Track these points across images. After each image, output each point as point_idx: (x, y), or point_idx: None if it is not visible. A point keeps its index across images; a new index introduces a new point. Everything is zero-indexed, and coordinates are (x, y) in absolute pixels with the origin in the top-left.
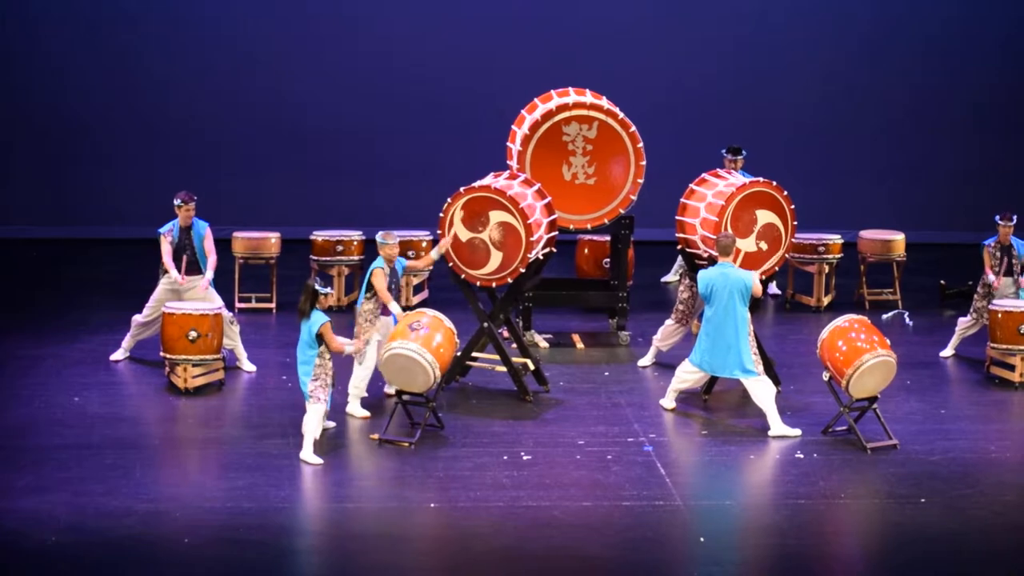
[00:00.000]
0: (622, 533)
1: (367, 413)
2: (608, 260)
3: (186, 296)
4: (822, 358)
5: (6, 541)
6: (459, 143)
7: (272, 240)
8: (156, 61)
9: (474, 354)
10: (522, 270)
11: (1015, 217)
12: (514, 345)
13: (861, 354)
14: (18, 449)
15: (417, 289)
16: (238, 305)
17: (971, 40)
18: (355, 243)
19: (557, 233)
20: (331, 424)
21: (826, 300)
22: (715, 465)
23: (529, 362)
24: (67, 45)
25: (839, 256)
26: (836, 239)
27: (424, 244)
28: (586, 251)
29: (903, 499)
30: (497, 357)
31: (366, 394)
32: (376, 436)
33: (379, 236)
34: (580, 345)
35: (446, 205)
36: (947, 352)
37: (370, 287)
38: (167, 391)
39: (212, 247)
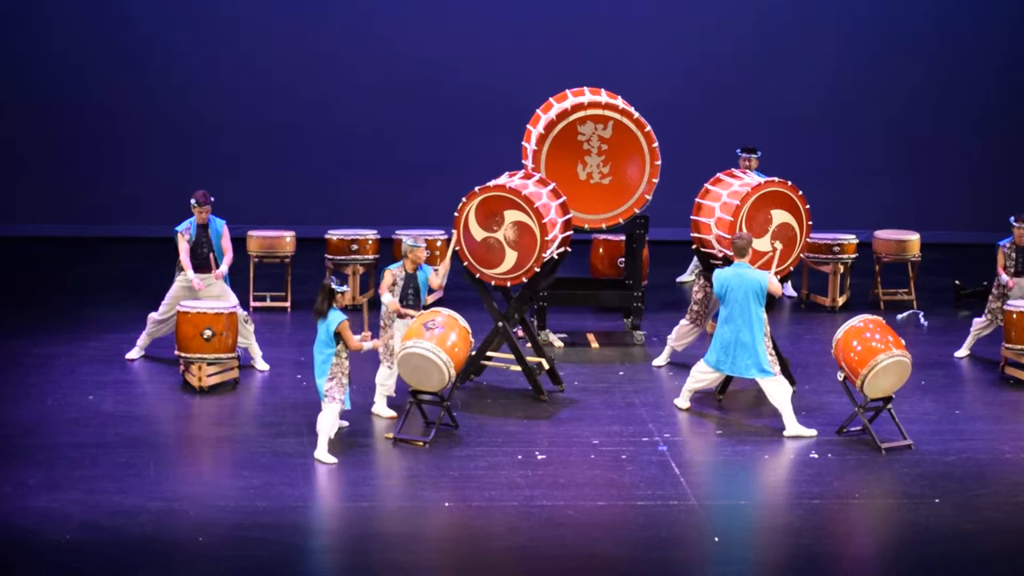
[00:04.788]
0: (636, 533)
1: (393, 413)
2: (623, 260)
3: (202, 294)
4: (837, 358)
5: (20, 539)
6: (474, 142)
7: (287, 239)
8: (170, 60)
9: (489, 353)
10: (537, 269)
11: None
12: (529, 344)
13: (876, 354)
14: (32, 447)
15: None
16: (253, 304)
17: (985, 39)
18: (370, 242)
19: (572, 232)
20: (345, 423)
21: (841, 300)
22: (730, 465)
23: (544, 361)
24: (81, 44)
25: (854, 256)
26: (851, 239)
27: (439, 244)
28: (601, 251)
29: (917, 499)
30: (512, 356)
31: (393, 394)
32: (391, 435)
33: (410, 240)
34: (595, 345)
35: (461, 204)
36: (962, 352)
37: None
38: (182, 390)
39: (229, 245)
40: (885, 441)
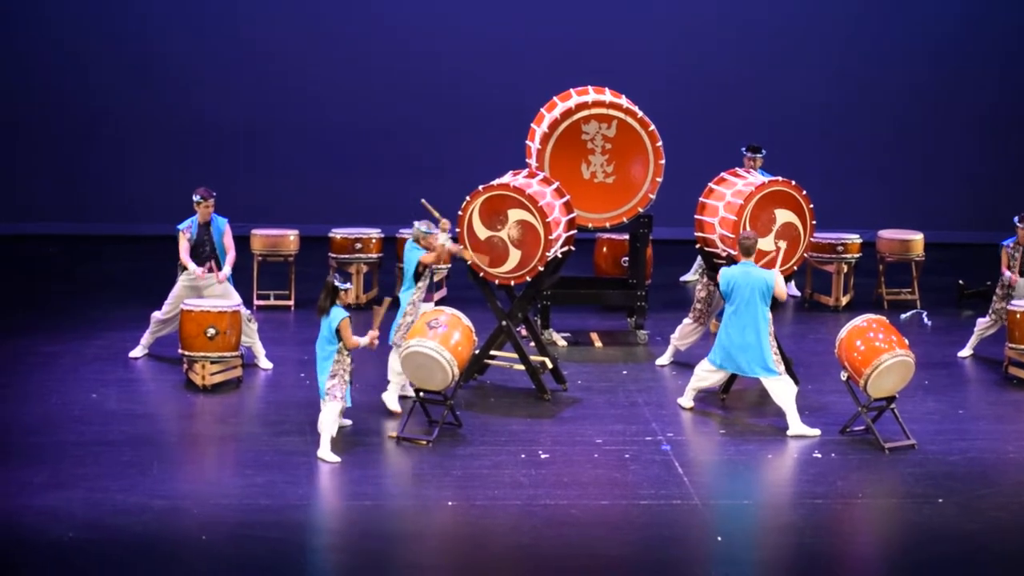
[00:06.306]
0: (640, 532)
1: (399, 408)
2: (627, 259)
3: (205, 293)
4: (840, 358)
5: (24, 537)
6: (478, 141)
7: (291, 238)
8: (173, 59)
9: (492, 352)
10: (540, 268)
11: None
12: (532, 343)
13: (879, 354)
14: (35, 446)
15: (436, 287)
16: (256, 302)
17: (989, 40)
18: (374, 241)
19: (576, 231)
20: (347, 422)
21: (844, 300)
22: (733, 464)
23: (547, 360)
24: (85, 43)
25: (858, 256)
26: (855, 239)
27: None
28: (604, 250)
29: (921, 499)
30: (515, 355)
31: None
32: (394, 434)
33: (424, 226)
34: (598, 344)
35: (465, 203)
36: (965, 352)
37: (418, 276)
38: (185, 388)
39: (231, 243)
40: (888, 441)
